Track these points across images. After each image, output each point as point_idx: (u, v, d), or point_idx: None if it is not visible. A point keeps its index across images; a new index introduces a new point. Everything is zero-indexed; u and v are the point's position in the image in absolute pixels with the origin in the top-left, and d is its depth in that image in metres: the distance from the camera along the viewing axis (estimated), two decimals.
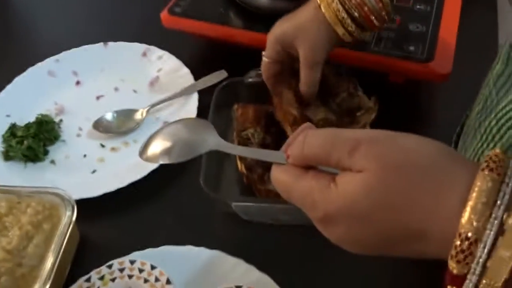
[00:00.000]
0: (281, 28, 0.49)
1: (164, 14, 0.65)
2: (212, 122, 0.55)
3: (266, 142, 0.52)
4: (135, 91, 0.64)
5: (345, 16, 0.45)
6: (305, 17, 0.47)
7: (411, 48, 0.57)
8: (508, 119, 0.34)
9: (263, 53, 0.52)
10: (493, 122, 0.35)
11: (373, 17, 0.46)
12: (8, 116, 0.60)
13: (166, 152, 0.39)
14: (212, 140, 0.38)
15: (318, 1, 0.46)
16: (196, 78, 0.63)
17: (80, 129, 0.60)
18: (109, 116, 0.59)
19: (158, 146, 0.40)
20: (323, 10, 0.45)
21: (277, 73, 0.52)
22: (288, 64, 0.51)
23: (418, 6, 0.63)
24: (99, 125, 0.59)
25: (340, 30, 0.46)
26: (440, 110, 0.61)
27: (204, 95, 0.60)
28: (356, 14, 0.45)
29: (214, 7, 0.65)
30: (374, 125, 0.52)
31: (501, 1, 0.82)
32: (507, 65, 0.38)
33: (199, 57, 0.68)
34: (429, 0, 0.64)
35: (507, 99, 0.35)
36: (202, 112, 0.58)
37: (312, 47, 0.47)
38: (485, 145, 0.36)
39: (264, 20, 0.62)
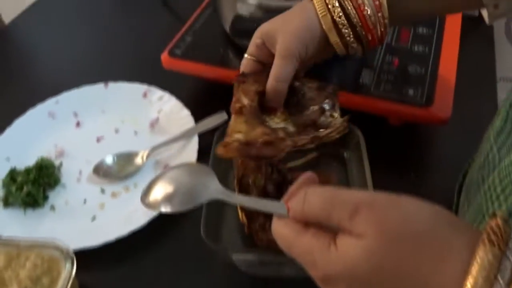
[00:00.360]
0: (267, 23, 0.46)
1: (164, 56, 0.65)
2: (213, 166, 0.55)
3: (268, 189, 0.52)
4: (135, 133, 0.64)
5: (344, 22, 0.42)
6: (293, 10, 0.44)
7: (410, 91, 0.57)
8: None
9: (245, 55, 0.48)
10: (497, 181, 0.35)
11: (373, 27, 0.43)
12: (7, 159, 0.60)
13: (168, 199, 0.39)
14: (213, 188, 0.38)
15: None
16: (197, 119, 0.63)
17: (80, 173, 0.59)
18: (109, 160, 0.59)
19: (159, 191, 0.41)
20: (317, 7, 0.42)
21: (255, 72, 0.48)
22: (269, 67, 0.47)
23: (416, 48, 0.63)
24: (99, 170, 0.58)
25: (332, 37, 0.43)
26: (439, 152, 0.61)
27: (205, 138, 0.60)
28: (355, 20, 0.42)
29: (214, 48, 0.65)
30: (375, 169, 0.52)
31: (498, 35, 0.83)
32: (506, 122, 0.38)
33: (199, 98, 0.68)
34: (427, 41, 0.64)
35: (509, 158, 0.35)
36: (202, 155, 0.58)
37: (290, 37, 0.43)
38: (489, 203, 0.36)
39: None
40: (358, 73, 0.60)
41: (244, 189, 0.53)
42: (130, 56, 0.77)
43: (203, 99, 0.68)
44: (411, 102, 0.56)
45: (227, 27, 0.65)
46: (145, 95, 0.67)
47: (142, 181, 0.58)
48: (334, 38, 0.44)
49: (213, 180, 0.40)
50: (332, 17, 0.42)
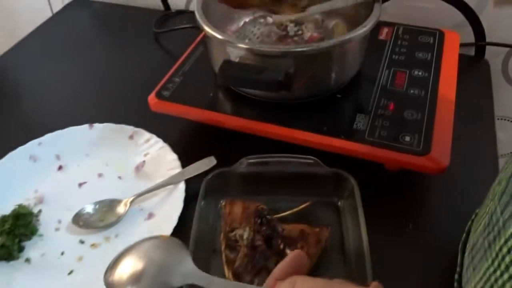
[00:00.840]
0: None
1: (151, 98, 0.63)
2: (200, 215, 0.52)
3: (256, 243, 0.49)
4: (120, 178, 0.61)
5: None
6: None
7: (407, 138, 0.55)
8: None
9: None
10: (505, 249, 0.33)
11: None
12: None
13: (135, 279, 0.36)
14: (187, 270, 0.35)
15: None
16: (184, 163, 0.60)
17: (60, 222, 0.56)
18: (89, 208, 0.56)
19: (126, 269, 0.37)
20: None
21: None
22: None
23: (412, 91, 0.62)
24: (79, 219, 0.55)
25: None
26: (438, 200, 0.58)
27: (192, 184, 0.58)
28: None
29: (204, 90, 0.63)
30: (370, 218, 0.49)
31: (495, 74, 0.82)
32: (508, 184, 0.36)
33: (187, 141, 0.65)
34: (423, 84, 0.62)
35: None
36: (189, 203, 0.55)
37: None
38: (498, 273, 0.34)
39: (254, 106, 0.61)
40: (352, 118, 0.58)
41: (231, 244, 0.50)
42: (118, 95, 0.74)
43: (192, 143, 0.65)
44: (407, 149, 0.54)
45: (216, 69, 0.63)
46: (131, 137, 0.65)
47: (124, 230, 0.55)
48: None
49: (187, 259, 0.36)
50: None
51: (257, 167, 0.56)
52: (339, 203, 0.55)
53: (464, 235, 0.47)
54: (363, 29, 0.56)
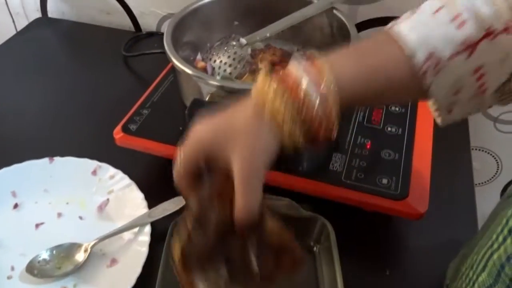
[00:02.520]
0: (206, 128, 0.36)
1: (117, 132, 0.59)
2: (166, 262, 0.48)
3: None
4: (80, 218, 0.57)
5: (291, 123, 0.34)
6: (242, 117, 0.35)
7: (384, 181, 0.53)
8: None
9: (175, 161, 0.39)
10: None
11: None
12: None
13: None
14: None
15: (260, 98, 0.34)
16: (150, 202, 0.56)
17: (13, 268, 0.52)
18: (45, 254, 0.52)
19: None
20: (267, 111, 0.34)
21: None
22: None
23: (389, 128, 0.60)
24: (34, 267, 0.51)
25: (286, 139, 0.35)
26: (416, 245, 0.56)
27: (159, 225, 0.54)
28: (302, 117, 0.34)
29: (173, 124, 0.60)
30: (347, 263, 0.47)
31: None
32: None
33: (155, 178, 0.62)
34: (401, 121, 0.61)
35: None
36: (155, 247, 0.52)
37: (251, 155, 0.34)
38: None
39: None
40: (328, 158, 0.56)
41: None
42: (82, 126, 0.70)
43: (159, 180, 0.61)
44: (384, 193, 0.52)
45: (186, 101, 0.60)
46: (94, 172, 0.61)
47: (84, 280, 0.51)
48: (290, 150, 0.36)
49: None
50: (288, 134, 0.35)
51: None
52: (315, 248, 0.53)
53: (448, 278, 0.44)
54: None
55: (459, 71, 0.33)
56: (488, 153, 0.87)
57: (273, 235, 0.39)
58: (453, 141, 0.69)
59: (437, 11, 0.34)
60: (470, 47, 0.32)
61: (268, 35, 0.66)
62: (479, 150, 0.87)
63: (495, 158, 0.89)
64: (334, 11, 0.65)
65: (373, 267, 0.53)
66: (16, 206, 0.58)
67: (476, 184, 0.70)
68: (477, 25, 0.32)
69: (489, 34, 0.32)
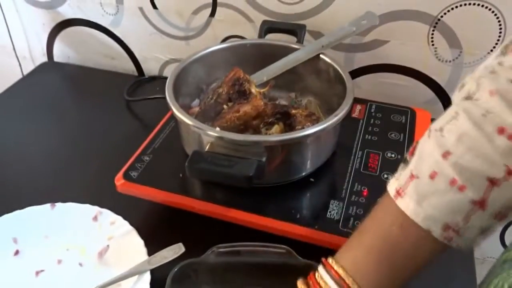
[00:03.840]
0: None
1: (118, 178, 0.60)
2: None
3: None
4: (80, 265, 0.57)
5: None
6: None
7: None
8: None
9: None
10: None
11: None
12: None
13: None
14: None
15: None
16: (150, 248, 0.57)
17: None
18: None
19: None
20: None
21: None
22: None
23: (385, 175, 0.61)
24: None
25: None
26: None
27: (158, 273, 0.54)
28: None
29: (173, 172, 0.61)
30: None
31: None
32: None
33: (154, 225, 0.62)
34: (396, 168, 0.62)
35: None
36: None
37: None
38: None
39: (226, 190, 0.59)
40: (326, 204, 0.57)
41: None
42: (84, 171, 0.71)
43: (159, 227, 0.62)
44: None
45: (187, 148, 0.61)
46: (95, 218, 0.61)
47: None
48: None
49: None
50: None
51: (228, 256, 0.53)
52: None
53: None
54: (335, 118, 0.56)
55: (481, 222, 0.33)
56: None
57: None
58: None
59: (432, 177, 0.34)
60: (480, 203, 0.32)
61: (265, 78, 0.68)
62: None
63: None
64: (324, 57, 0.67)
65: None
66: (17, 252, 0.59)
67: None
68: (477, 182, 0.32)
69: (493, 183, 0.32)
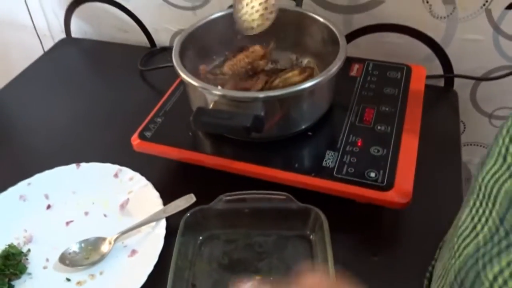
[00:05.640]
0: None
1: (134, 139, 0.67)
2: (178, 252, 0.55)
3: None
4: (105, 215, 0.65)
5: None
6: None
7: (372, 174, 0.58)
8: None
9: None
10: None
11: None
12: None
13: None
14: None
15: None
16: (165, 200, 0.64)
17: (47, 260, 0.59)
18: (75, 247, 0.60)
19: None
20: None
21: None
22: None
23: (379, 127, 0.65)
24: (65, 258, 0.58)
25: None
26: (403, 233, 0.61)
27: (173, 220, 0.61)
28: None
29: (183, 131, 0.67)
30: (340, 251, 0.52)
31: (465, 104, 0.86)
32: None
33: (168, 179, 0.69)
34: (389, 121, 0.66)
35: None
36: (170, 239, 0.58)
37: None
38: None
39: (231, 145, 0.65)
40: (322, 155, 0.62)
41: None
42: (104, 135, 0.78)
43: (173, 180, 0.69)
44: (372, 185, 0.57)
45: (194, 109, 0.67)
46: (116, 175, 0.68)
47: (108, 267, 0.58)
48: None
49: None
50: None
51: (234, 204, 0.59)
52: (311, 236, 0.59)
53: (428, 275, 0.49)
54: (329, 73, 0.60)
55: None
56: (484, 147, 0.91)
57: None
58: (444, 137, 0.74)
59: None
60: None
61: None
62: (475, 145, 0.91)
63: None
64: (320, 18, 0.70)
65: (363, 254, 0.58)
66: (49, 207, 0.66)
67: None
68: None
69: None
